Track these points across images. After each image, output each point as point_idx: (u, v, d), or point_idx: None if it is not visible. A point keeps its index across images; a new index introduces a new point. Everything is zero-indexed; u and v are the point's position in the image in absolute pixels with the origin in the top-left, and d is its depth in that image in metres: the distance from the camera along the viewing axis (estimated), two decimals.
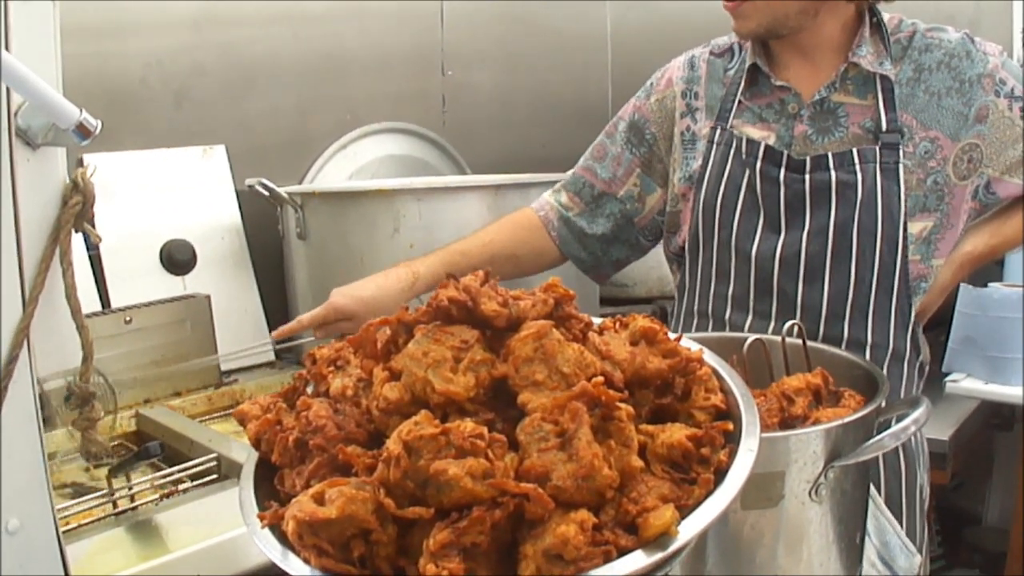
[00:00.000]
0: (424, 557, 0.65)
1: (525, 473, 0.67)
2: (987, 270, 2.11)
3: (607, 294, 2.40)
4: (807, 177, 1.35)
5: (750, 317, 1.41)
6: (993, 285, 2.26)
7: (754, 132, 1.41)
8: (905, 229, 1.34)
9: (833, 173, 1.34)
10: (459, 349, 0.75)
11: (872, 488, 1.14)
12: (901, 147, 1.33)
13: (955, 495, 2.78)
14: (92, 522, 1.33)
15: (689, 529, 0.68)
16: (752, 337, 1.17)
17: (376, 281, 1.49)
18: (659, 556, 0.66)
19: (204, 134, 2.22)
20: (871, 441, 0.98)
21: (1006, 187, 1.40)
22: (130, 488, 1.41)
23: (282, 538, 0.71)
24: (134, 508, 1.37)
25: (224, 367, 2.02)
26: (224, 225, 2.20)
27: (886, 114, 1.34)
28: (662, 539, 0.67)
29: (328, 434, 0.76)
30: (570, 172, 1.63)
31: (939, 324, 2.16)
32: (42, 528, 0.92)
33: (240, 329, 2.13)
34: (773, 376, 1.16)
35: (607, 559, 0.65)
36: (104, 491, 1.39)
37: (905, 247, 1.34)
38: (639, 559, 0.66)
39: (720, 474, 0.73)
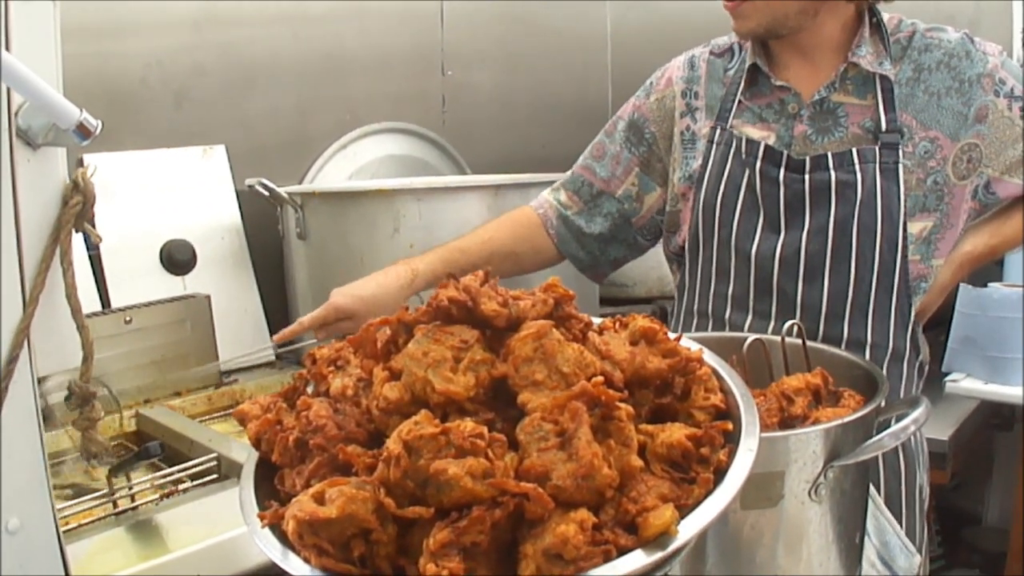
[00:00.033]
0: (424, 556, 0.65)
1: (525, 473, 0.68)
2: (987, 270, 2.11)
3: (607, 294, 2.40)
4: (807, 177, 1.35)
5: (750, 317, 1.41)
6: (993, 285, 2.27)
7: (754, 132, 1.41)
8: (905, 229, 1.34)
9: (833, 173, 1.34)
10: (459, 349, 0.75)
11: (872, 488, 1.14)
12: (901, 147, 1.33)
13: (955, 495, 2.78)
14: (92, 522, 1.33)
15: (689, 529, 0.68)
16: (752, 337, 1.17)
17: (376, 279, 1.49)
18: (659, 555, 0.66)
19: (204, 134, 2.22)
20: (870, 441, 0.98)
21: (1006, 187, 1.40)
22: (130, 488, 1.41)
23: (282, 538, 0.71)
24: (134, 508, 1.37)
25: (224, 367, 2.02)
26: (224, 225, 2.21)
27: (886, 114, 1.34)
28: (662, 538, 0.67)
29: (328, 434, 0.76)
30: (569, 171, 1.63)
31: (939, 324, 2.16)
32: (42, 528, 0.92)
33: (240, 329, 2.13)
34: (773, 376, 1.17)
35: (607, 558, 0.65)
36: (104, 491, 1.39)
37: (905, 247, 1.34)
38: (639, 558, 0.66)
39: (720, 474, 0.73)
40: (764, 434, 0.80)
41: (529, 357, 0.74)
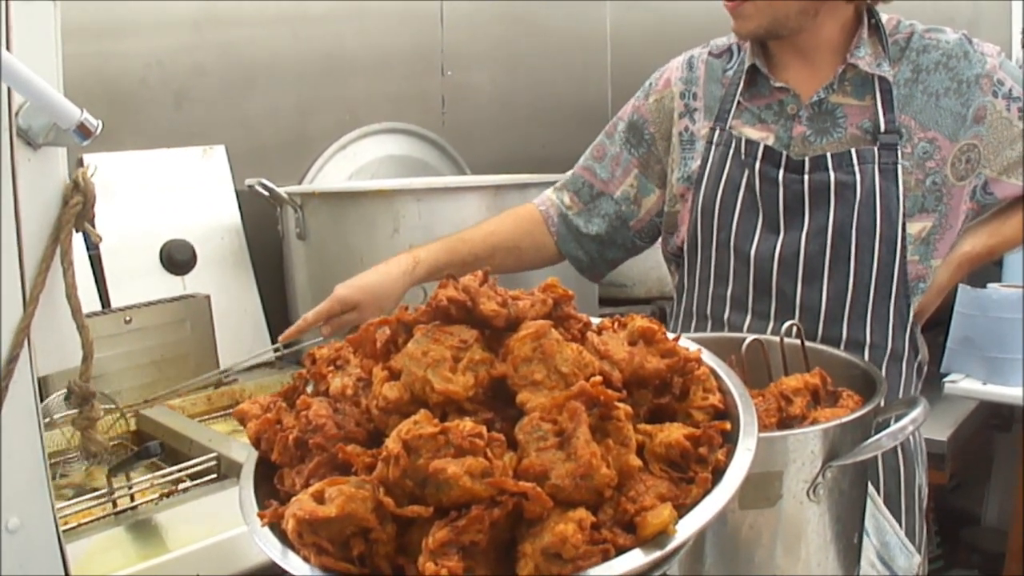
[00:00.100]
0: (423, 555, 0.65)
1: (524, 472, 0.68)
2: (986, 271, 2.11)
3: (606, 294, 2.41)
4: (806, 178, 1.35)
5: (749, 317, 1.41)
6: (992, 286, 2.27)
7: (753, 133, 1.41)
8: (904, 229, 1.34)
9: (832, 174, 1.34)
10: (458, 349, 0.75)
11: (871, 488, 1.14)
12: (899, 148, 1.33)
13: (954, 495, 2.78)
14: (92, 521, 1.33)
15: (687, 528, 0.68)
16: (750, 337, 1.17)
17: (378, 270, 1.50)
18: (657, 555, 0.66)
19: (204, 134, 2.22)
20: (869, 441, 0.98)
21: (1004, 188, 1.40)
22: (130, 487, 1.42)
23: (282, 537, 0.71)
24: (134, 507, 1.38)
25: (223, 366, 2.02)
26: (224, 225, 2.21)
27: (884, 115, 1.34)
28: (660, 538, 0.67)
29: (328, 433, 0.76)
30: (570, 171, 1.63)
31: (938, 324, 2.16)
32: (42, 527, 0.93)
33: (240, 329, 2.14)
34: (771, 376, 1.17)
35: (605, 557, 0.66)
36: (104, 490, 1.39)
37: (904, 247, 1.35)
38: (637, 557, 0.66)
39: (718, 473, 0.73)
40: (762, 434, 0.80)
41: (528, 357, 0.74)
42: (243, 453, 0.89)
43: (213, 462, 1.48)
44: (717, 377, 0.86)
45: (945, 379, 2.26)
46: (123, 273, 2.01)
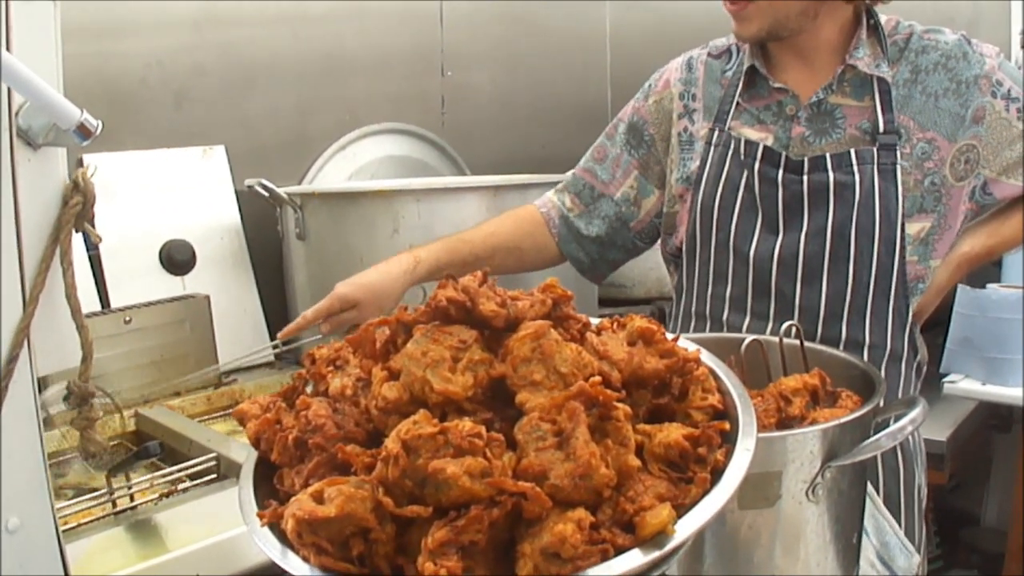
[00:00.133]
0: (422, 555, 0.65)
1: (523, 472, 0.68)
2: (985, 271, 2.11)
3: (606, 295, 2.41)
4: (805, 178, 1.36)
5: (748, 318, 1.41)
6: (991, 286, 2.27)
7: (752, 133, 1.41)
8: (903, 230, 1.34)
9: (831, 174, 1.34)
10: (457, 349, 0.75)
11: (871, 488, 1.14)
12: (898, 148, 1.33)
13: (953, 496, 2.79)
14: (92, 521, 1.33)
15: (686, 528, 0.68)
16: (750, 338, 1.17)
17: (378, 269, 1.50)
18: (656, 555, 0.66)
19: (204, 134, 2.22)
20: (868, 441, 0.98)
21: (1003, 188, 1.40)
22: (129, 488, 1.42)
23: (281, 537, 0.72)
24: (134, 507, 1.38)
25: (223, 367, 2.02)
26: (224, 225, 2.21)
27: (883, 115, 1.34)
28: (659, 538, 0.67)
29: (327, 433, 0.77)
30: (570, 172, 1.63)
31: (937, 325, 2.16)
32: (42, 527, 0.93)
33: (239, 329, 2.14)
34: (771, 377, 1.17)
35: (604, 557, 0.66)
36: (104, 490, 1.39)
37: (903, 248, 1.35)
38: (636, 557, 0.66)
39: (717, 474, 0.73)
40: (761, 434, 0.80)
41: (527, 357, 0.74)
42: (242, 453, 0.89)
43: (213, 462, 1.48)
44: (716, 377, 0.86)
45: (944, 379, 2.26)
46: (123, 273, 2.01)
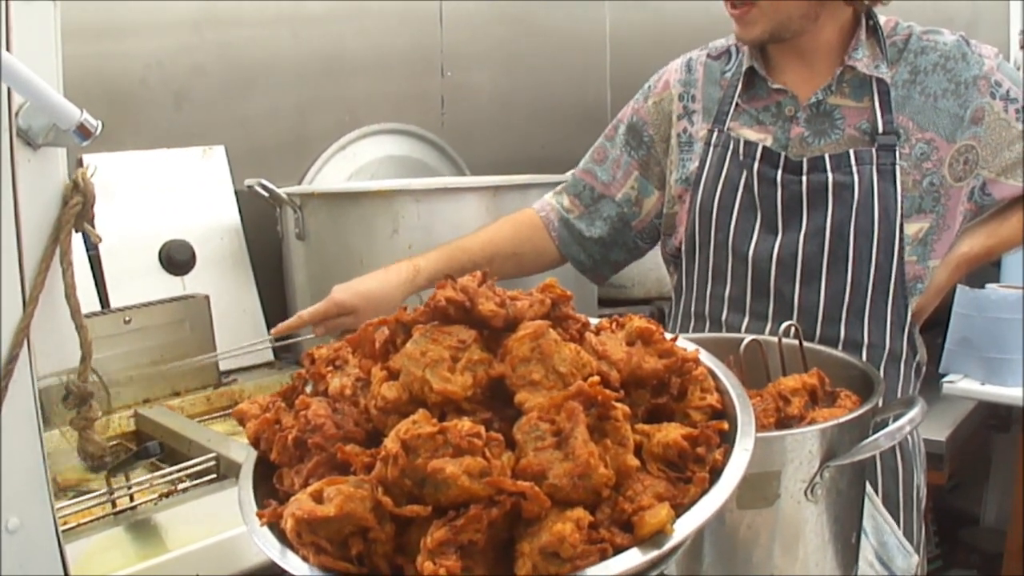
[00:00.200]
0: (421, 555, 0.65)
1: (522, 472, 0.68)
2: (984, 271, 2.12)
3: (605, 295, 2.41)
4: (804, 178, 1.36)
5: (747, 318, 1.42)
6: (990, 286, 2.27)
7: (751, 134, 1.41)
8: (901, 230, 1.35)
9: (830, 174, 1.34)
10: (457, 349, 0.75)
11: (870, 488, 1.15)
12: (897, 149, 1.34)
13: (952, 496, 2.79)
14: (91, 521, 1.33)
15: (684, 527, 0.68)
16: (749, 338, 1.17)
17: (377, 277, 1.49)
18: (654, 554, 0.66)
19: (204, 134, 2.23)
20: (866, 441, 0.98)
21: (1002, 188, 1.40)
22: (129, 488, 1.42)
23: (281, 536, 0.72)
24: (133, 508, 1.38)
25: (223, 367, 2.02)
26: (223, 225, 2.21)
27: (882, 116, 1.34)
28: (657, 537, 0.67)
29: (327, 433, 0.77)
30: (570, 174, 1.63)
31: (936, 325, 2.16)
32: (42, 527, 0.93)
33: (239, 329, 2.13)
34: (770, 377, 1.17)
35: (603, 557, 0.66)
36: (103, 491, 1.39)
37: (901, 248, 1.35)
38: (634, 557, 0.66)
39: (715, 473, 0.73)
40: (760, 434, 0.80)
41: (526, 357, 0.75)
42: (242, 453, 0.89)
43: (212, 462, 1.48)
44: (715, 377, 0.86)
45: (943, 379, 2.26)
46: (122, 273, 2.01)
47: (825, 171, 1.34)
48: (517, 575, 0.66)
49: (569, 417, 0.69)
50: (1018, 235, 1.45)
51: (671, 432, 0.74)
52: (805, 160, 1.36)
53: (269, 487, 0.81)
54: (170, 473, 1.45)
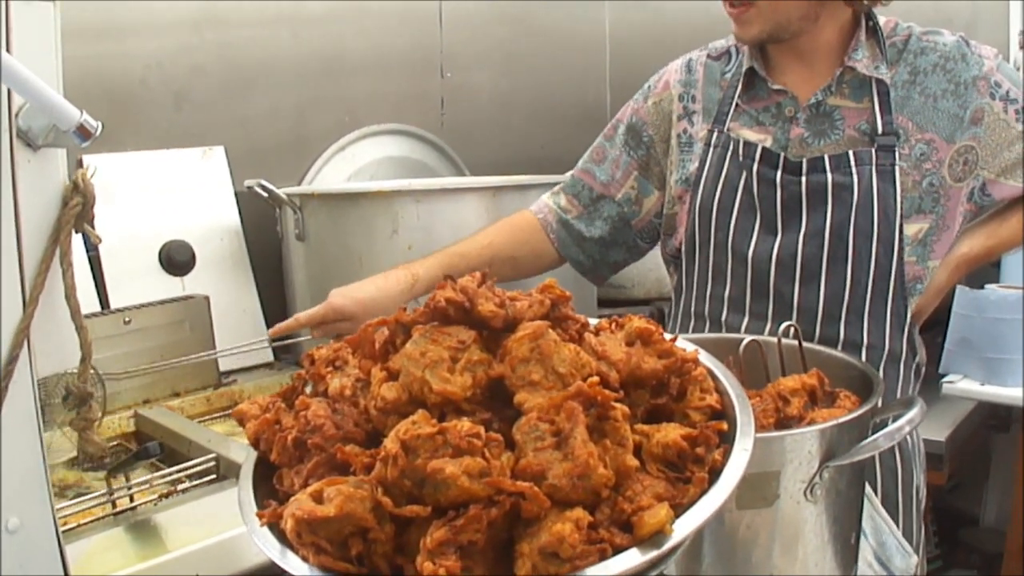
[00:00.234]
0: (421, 555, 0.66)
1: (521, 472, 0.68)
2: (984, 272, 2.12)
3: (605, 295, 2.41)
4: (803, 179, 1.36)
5: (746, 318, 1.42)
6: (990, 287, 2.27)
7: (751, 135, 1.42)
8: (901, 231, 1.35)
9: (829, 175, 1.34)
10: (456, 349, 0.76)
11: (869, 489, 1.15)
12: (897, 149, 1.34)
13: (952, 496, 2.79)
14: (91, 522, 1.33)
15: (683, 527, 0.68)
16: (748, 338, 1.17)
17: (375, 283, 1.49)
18: (654, 554, 0.66)
19: (203, 135, 2.23)
20: (866, 441, 0.98)
21: (1001, 189, 1.40)
22: (129, 488, 1.42)
23: (281, 536, 0.72)
24: (133, 508, 1.38)
25: (223, 367, 2.03)
26: (223, 226, 2.21)
27: (882, 117, 1.34)
28: (657, 537, 0.67)
29: (326, 433, 0.77)
30: (568, 174, 1.63)
31: (935, 325, 2.17)
32: (42, 527, 0.93)
33: (239, 330, 2.14)
34: (769, 377, 1.17)
35: (602, 557, 0.66)
36: (103, 491, 1.39)
37: (901, 249, 1.35)
38: (634, 557, 0.66)
39: (715, 473, 0.74)
40: (760, 434, 0.81)
41: (526, 357, 0.75)
42: (242, 454, 0.89)
43: (212, 463, 1.48)
44: (714, 378, 0.86)
45: (943, 380, 2.26)
46: (122, 274, 2.01)
47: (824, 172, 1.34)
48: (517, 575, 0.67)
49: (568, 417, 0.69)
50: (1018, 236, 1.45)
51: (670, 432, 0.75)
52: (804, 161, 1.36)
53: (269, 487, 0.81)
54: (170, 473, 1.45)
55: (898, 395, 1.40)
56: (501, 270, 1.52)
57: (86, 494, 1.42)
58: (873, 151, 1.34)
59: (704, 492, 0.72)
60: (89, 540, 1.25)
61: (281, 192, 2.07)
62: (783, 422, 1.06)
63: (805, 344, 1.20)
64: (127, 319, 1.87)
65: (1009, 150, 1.37)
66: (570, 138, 1.96)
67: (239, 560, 1.22)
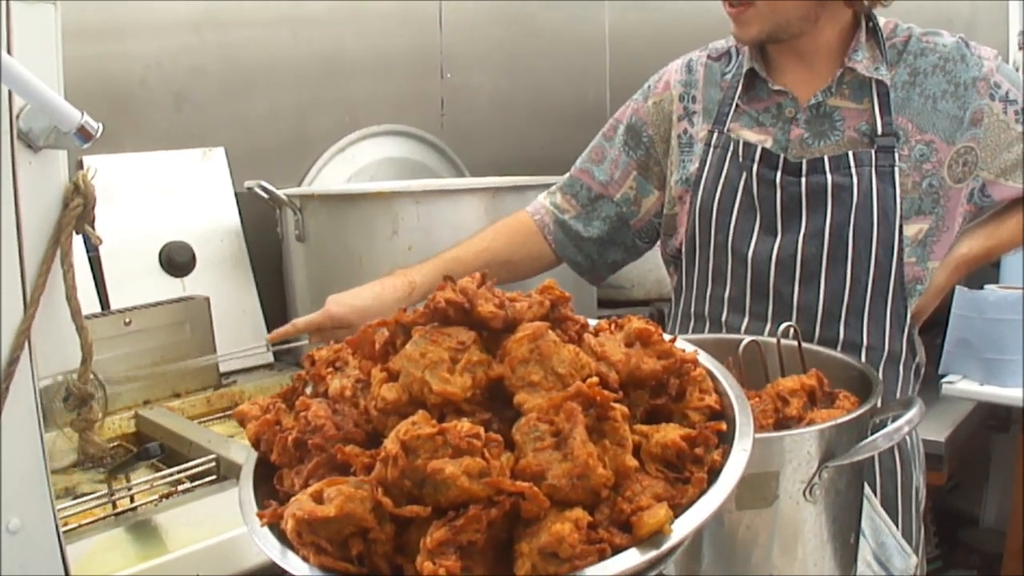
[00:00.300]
0: (421, 555, 0.66)
1: (521, 472, 0.68)
2: (983, 272, 2.12)
3: (605, 296, 2.41)
4: (803, 180, 1.36)
5: (746, 319, 1.42)
6: (989, 287, 2.28)
7: (751, 136, 1.42)
8: (901, 231, 1.35)
9: (829, 176, 1.35)
10: (456, 350, 0.76)
11: (868, 489, 1.15)
12: (896, 150, 1.34)
13: (952, 496, 2.79)
14: (92, 522, 1.33)
15: (682, 527, 0.68)
16: (748, 339, 1.17)
17: (372, 290, 1.49)
18: (653, 554, 0.66)
19: (204, 136, 2.23)
20: (865, 442, 0.99)
21: (1001, 190, 1.40)
22: (130, 489, 1.42)
23: (281, 537, 0.72)
24: (134, 508, 1.38)
25: (223, 368, 2.03)
26: (223, 227, 2.21)
27: (881, 118, 1.35)
28: (656, 537, 0.67)
29: (327, 434, 0.77)
30: (567, 174, 1.63)
31: (935, 326, 2.17)
32: (43, 528, 0.93)
33: (239, 331, 2.14)
34: (768, 378, 1.17)
35: (602, 557, 0.66)
36: (104, 492, 1.40)
37: (901, 249, 1.35)
38: (633, 557, 0.66)
39: (714, 474, 0.74)
40: (759, 435, 0.81)
41: (525, 358, 0.75)
42: (242, 454, 0.90)
43: (212, 463, 1.48)
44: (713, 378, 0.86)
45: (943, 380, 2.27)
46: (123, 275, 2.02)
47: (824, 173, 1.35)
48: (516, 575, 0.67)
49: (568, 418, 0.69)
50: (1017, 236, 1.45)
51: (669, 433, 0.75)
52: (804, 162, 1.36)
53: (269, 488, 0.81)
54: (170, 474, 1.45)
55: (897, 396, 1.40)
56: (499, 273, 1.51)
57: (87, 495, 1.42)
58: (873, 152, 1.34)
59: (703, 492, 0.72)
60: (90, 540, 1.25)
61: (281, 193, 2.08)
62: (782, 422, 1.06)
63: (804, 345, 1.20)
64: (127, 320, 1.87)
65: (1009, 151, 1.38)
66: (570, 139, 1.96)
67: (239, 560, 1.22)
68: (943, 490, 2.53)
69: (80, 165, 1.82)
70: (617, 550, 0.67)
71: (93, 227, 0.98)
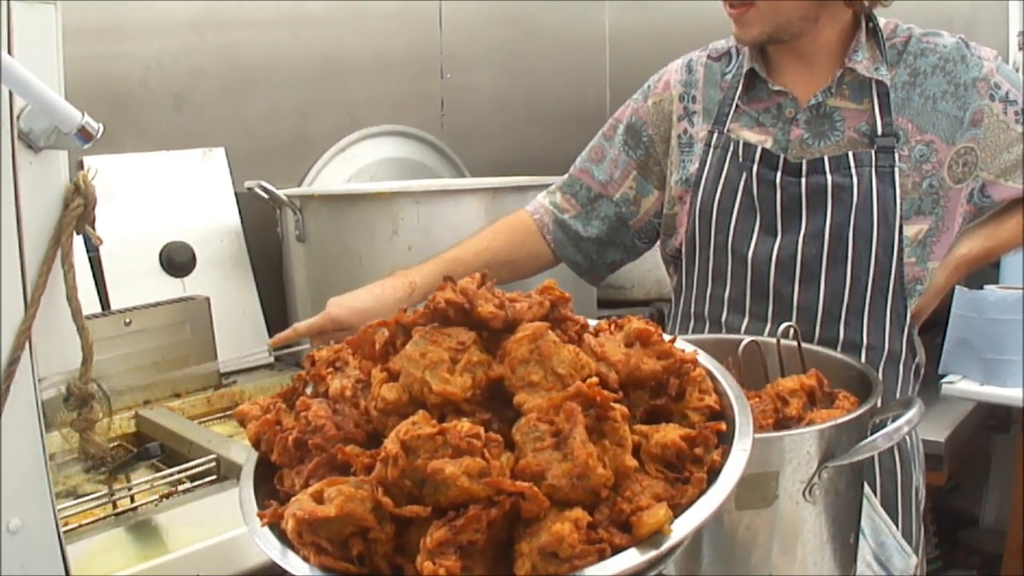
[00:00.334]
0: (421, 555, 0.66)
1: (521, 472, 0.68)
2: (983, 273, 2.12)
3: (605, 296, 2.41)
4: (803, 180, 1.36)
5: (746, 319, 1.42)
6: (989, 287, 2.28)
7: (751, 136, 1.42)
8: (901, 232, 1.35)
9: (829, 176, 1.35)
10: (456, 350, 0.76)
11: (868, 489, 1.15)
12: (896, 151, 1.34)
13: (952, 496, 2.79)
14: (92, 522, 1.33)
15: (682, 527, 0.68)
16: (747, 339, 1.17)
17: (372, 292, 1.49)
18: (652, 554, 0.67)
19: (204, 136, 2.23)
20: (864, 442, 0.99)
21: (1001, 190, 1.41)
22: (130, 489, 1.42)
23: (281, 537, 0.72)
24: (134, 508, 1.38)
25: (223, 368, 2.03)
26: (223, 227, 2.21)
27: (881, 118, 1.35)
28: (655, 537, 0.67)
29: (327, 434, 0.77)
30: (566, 174, 1.63)
31: (935, 326, 2.17)
32: (43, 528, 0.93)
33: (239, 331, 2.14)
34: (768, 378, 1.17)
35: (601, 557, 0.66)
36: (104, 492, 1.40)
37: (900, 250, 1.35)
38: (633, 557, 0.66)
39: (713, 474, 0.74)
40: (758, 435, 0.81)
41: (525, 358, 0.75)
42: (242, 455, 0.90)
43: (212, 463, 1.49)
44: (713, 378, 0.86)
45: (943, 380, 2.27)
46: (123, 275, 2.02)
47: (824, 173, 1.35)
48: (516, 575, 0.67)
49: (568, 418, 0.69)
50: (1017, 237, 1.45)
51: (669, 433, 0.75)
52: (804, 162, 1.36)
53: (270, 488, 0.81)
54: (171, 474, 1.46)
55: (897, 396, 1.40)
56: (498, 273, 1.51)
57: (87, 495, 1.43)
58: (873, 152, 1.34)
59: (703, 492, 0.72)
60: (90, 540, 1.26)
61: (281, 193, 2.08)
62: (782, 423, 1.06)
63: (804, 345, 1.20)
64: (128, 320, 1.87)
65: (1008, 152, 1.38)
66: (570, 139, 1.96)
67: (240, 560, 1.22)
68: (943, 490, 2.54)
69: (80, 165, 1.83)
70: (617, 550, 0.67)
71: (93, 227, 0.98)
